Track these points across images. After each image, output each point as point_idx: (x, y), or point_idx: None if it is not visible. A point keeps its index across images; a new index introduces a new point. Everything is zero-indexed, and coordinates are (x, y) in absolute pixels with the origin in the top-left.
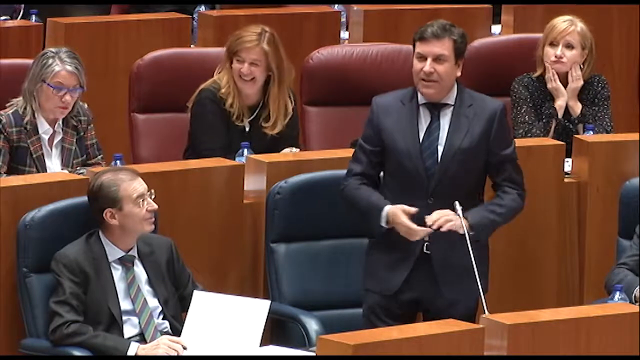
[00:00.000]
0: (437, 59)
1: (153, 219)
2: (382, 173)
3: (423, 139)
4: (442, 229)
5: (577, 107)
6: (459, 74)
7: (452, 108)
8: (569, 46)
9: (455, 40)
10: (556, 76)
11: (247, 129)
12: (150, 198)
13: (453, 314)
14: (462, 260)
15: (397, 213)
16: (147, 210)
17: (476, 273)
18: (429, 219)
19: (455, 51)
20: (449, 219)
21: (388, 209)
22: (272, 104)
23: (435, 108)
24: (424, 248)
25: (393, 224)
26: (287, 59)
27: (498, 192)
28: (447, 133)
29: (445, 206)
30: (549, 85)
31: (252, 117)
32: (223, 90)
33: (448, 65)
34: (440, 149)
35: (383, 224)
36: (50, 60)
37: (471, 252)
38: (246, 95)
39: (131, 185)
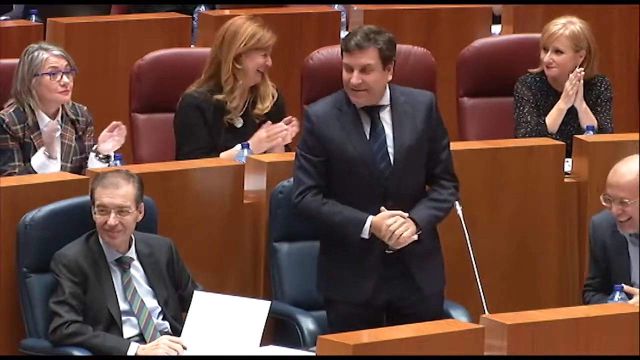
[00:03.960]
0: (364, 69)
1: (112, 234)
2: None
3: (370, 143)
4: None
5: (591, 116)
6: (389, 78)
7: (388, 108)
8: (558, 51)
9: (380, 48)
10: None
11: (239, 125)
12: (124, 215)
13: (423, 311)
14: (426, 256)
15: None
16: (106, 222)
17: (476, 272)
18: (382, 235)
19: (381, 59)
20: (399, 232)
21: (371, 220)
22: (263, 87)
23: (374, 110)
24: (385, 250)
25: (379, 235)
26: None
27: (435, 185)
28: (393, 133)
29: (404, 207)
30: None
31: (243, 112)
32: (223, 96)
33: (376, 74)
34: (391, 150)
35: (365, 235)
36: (36, 53)
37: (470, 246)
38: (244, 90)
39: (101, 191)
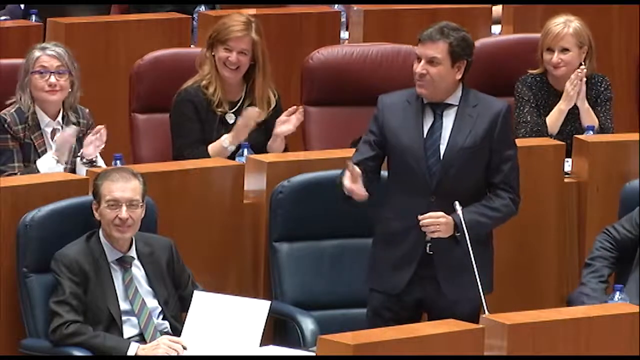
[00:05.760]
0: (430, 61)
1: (122, 228)
2: (381, 170)
3: (426, 138)
4: (428, 235)
5: (593, 116)
6: (458, 77)
7: (455, 108)
8: (565, 50)
9: (451, 44)
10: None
11: (231, 122)
12: (135, 208)
13: (456, 313)
14: (464, 260)
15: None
16: (117, 216)
17: (476, 273)
18: (421, 217)
19: (450, 54)
20: (437, 229)
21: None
22: (257, 92)
23: (439, 108)
24: (427, 248)
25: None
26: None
27: (491, 194)
28: (450, 132)
29: (448, 205)
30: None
31: (235, 109)
32: (204, 82)
33: (442, 68)
34: (443, 147)
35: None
36: (33, 52)
37: (471, 251)
38: (228, 85)
39: (111, 185)
